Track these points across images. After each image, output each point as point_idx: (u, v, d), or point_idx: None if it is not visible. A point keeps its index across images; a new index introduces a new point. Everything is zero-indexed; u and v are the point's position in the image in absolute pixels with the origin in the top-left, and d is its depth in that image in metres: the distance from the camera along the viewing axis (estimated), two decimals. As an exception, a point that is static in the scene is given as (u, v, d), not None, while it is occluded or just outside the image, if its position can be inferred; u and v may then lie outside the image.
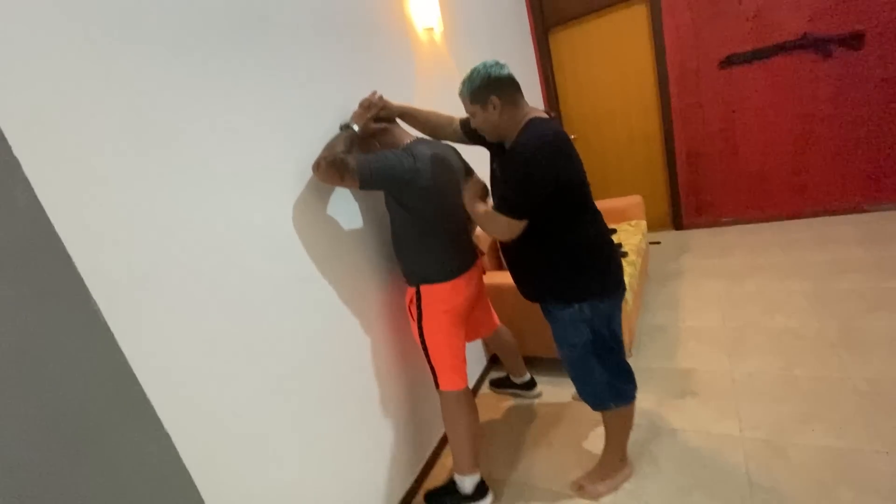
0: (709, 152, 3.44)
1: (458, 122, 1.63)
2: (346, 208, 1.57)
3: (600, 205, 3.11)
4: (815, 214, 3.26)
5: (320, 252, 1.44)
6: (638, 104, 3.59)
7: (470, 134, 1.60)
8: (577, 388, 1.56)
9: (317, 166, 1.33)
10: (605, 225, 1.42)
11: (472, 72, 1.31)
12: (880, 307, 2.12)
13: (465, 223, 1.65)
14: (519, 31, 3.48)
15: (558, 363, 2.25)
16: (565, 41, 3.70)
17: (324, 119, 1.48)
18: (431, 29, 2.18)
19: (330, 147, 1.38)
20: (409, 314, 1.60)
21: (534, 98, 3.64)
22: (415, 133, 1.63)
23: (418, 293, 1.55)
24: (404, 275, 1.61)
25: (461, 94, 1.35)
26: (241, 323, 1.15)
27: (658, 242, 3.55)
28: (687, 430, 1.72)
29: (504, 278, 2.19)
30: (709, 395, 1.87)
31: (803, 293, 2.37)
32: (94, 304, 0.83)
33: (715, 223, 3.60)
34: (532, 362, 2.27)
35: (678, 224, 3.73)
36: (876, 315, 2.08)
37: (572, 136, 3.96)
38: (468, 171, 1.74)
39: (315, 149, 1.41)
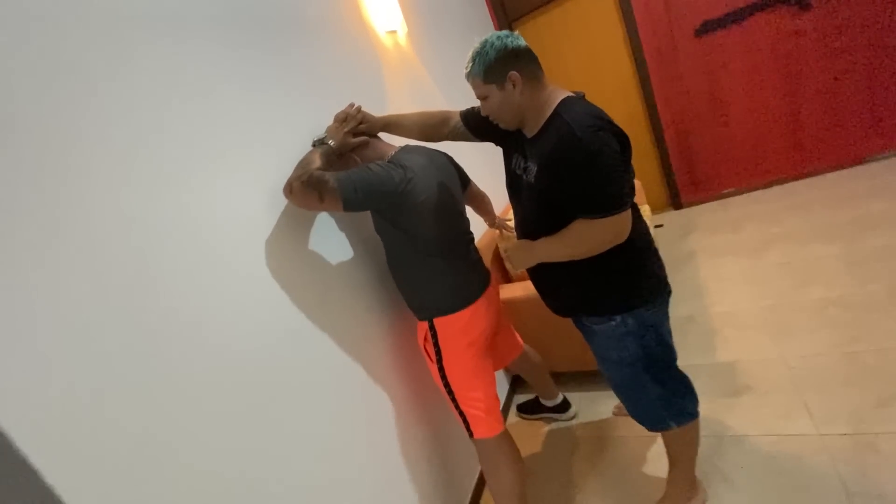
0: (697, 124, 3.30)
1: (457, 117, 1.40)
2: (331, 239, 1.34)
3: None
4: (816, 172, 3.13)
5: (308, 299, 1.20)
6: (617, 86, 3.44)
7: (476, 127, 1.38)
8: (629, 410, 1.34)
9: (289, 189, 1.10)
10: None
11: (484, 45, 1.09)
12: (922, 260, 1.96)
13: (471, 235, 1.43)
14: (483, 27, 3.31)
15: (588, 376, 2.04)
16: (531, 32, 3.54)
17: (290, 140, 1.25)
18: (395, 32, 1.98)
19: (303, 165, 1.16)
20: (424, 355, 1.37)
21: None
22: (398, 143, 1.41)
23: (433, 328, 1.32)
24: (412, 309, 1.38)
25: (469, 75, 1.13)
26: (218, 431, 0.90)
27: (660, 225, 3.38)
28: (754, 436, 1.51)
29: (514, 291, 1.97)
30: (765, 388, 1.67)
31: (834, 257, 2.20)
32: None
33: (715, 196, 3.45)
34: (559, 378, 2.04)
35: (677, 203, 3.58)
36: (921, 270, 1.92)
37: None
38: (464, 180, 1.52)
39: (283, 172, 1.17)
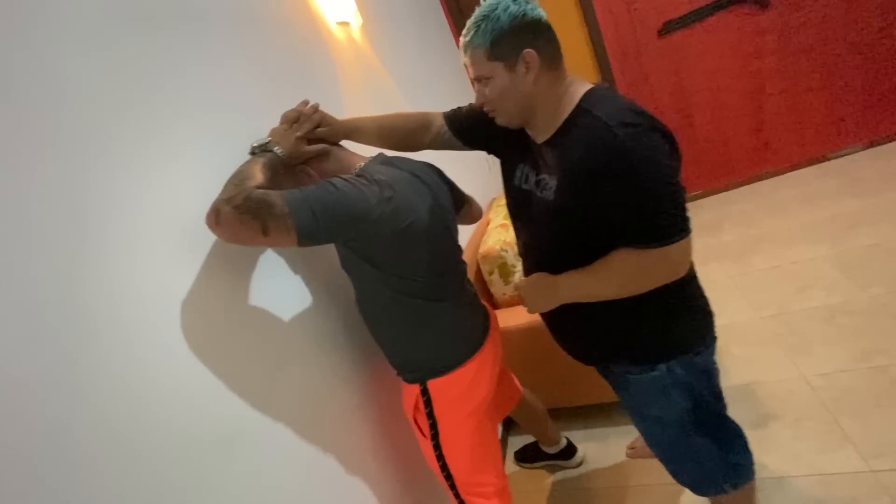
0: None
1: (440, 120, 1.12)
2: (279, 286, 1.00)
3: None
4: (782, 171, 3.12)
5: (252, 381, 0.86)
6: (580, 89, 3.30)
7: (465, 132, 1.10)
8: (674, 473, 1.09)
9: (215, 216, 0.74)
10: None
11: (494, 7, 0.81)
12: (917, 259, 1.89)
13: (464, 266, 1.14)
14: (437, 24, 3.06)
15: (593, 410, 1.80)
16: (490, 34, 3.33)
17: (217, 152, 0.92)
18: (347, 24, 1.67)
19: (236, 181, 0.80)
20: (414, 428, 1.06)
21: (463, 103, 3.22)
22: (366, 151, 1.10)
23: (426, 394, 1.02)
24: (395, 368, 1.07)
25: (469, 45, 0.85)
26: None
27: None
28: (797, 476, 1.32)
29: (504, 320, 1.70)
30: (794, 415, 1.49)
31: (825, 259, 2.11)
32: None
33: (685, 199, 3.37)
34: (558, 415, 1.79)
35: (647, 208, 3.47)
36: (919, 268, 1.84)
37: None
38: (458, 198, 1.21)
39: (206, 197, 0.81)
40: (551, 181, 0.86)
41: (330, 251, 1.07)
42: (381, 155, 1.02)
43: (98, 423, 0.62)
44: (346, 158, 1.01)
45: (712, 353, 0.98)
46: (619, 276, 0.82)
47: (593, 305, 0.91)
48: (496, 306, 1.92)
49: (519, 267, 1.81)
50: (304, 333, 1.03)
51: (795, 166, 3.08)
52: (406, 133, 1.13)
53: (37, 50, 0.66)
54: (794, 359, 1.68)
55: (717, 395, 1.00)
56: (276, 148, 0.92)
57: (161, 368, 0.72)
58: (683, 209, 0.77)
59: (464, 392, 1.03)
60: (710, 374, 0.98)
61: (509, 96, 0.86)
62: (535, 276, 0.96)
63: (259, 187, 0.78)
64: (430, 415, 1.02)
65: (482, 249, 1.84)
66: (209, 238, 0.84)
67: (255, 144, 0.93)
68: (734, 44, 2.88)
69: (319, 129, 1.01)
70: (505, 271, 1.78)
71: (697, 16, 2.86)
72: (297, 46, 1.34)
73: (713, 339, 0.97)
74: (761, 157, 3.13)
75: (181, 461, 0.72)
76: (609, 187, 0.76)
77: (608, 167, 0.75)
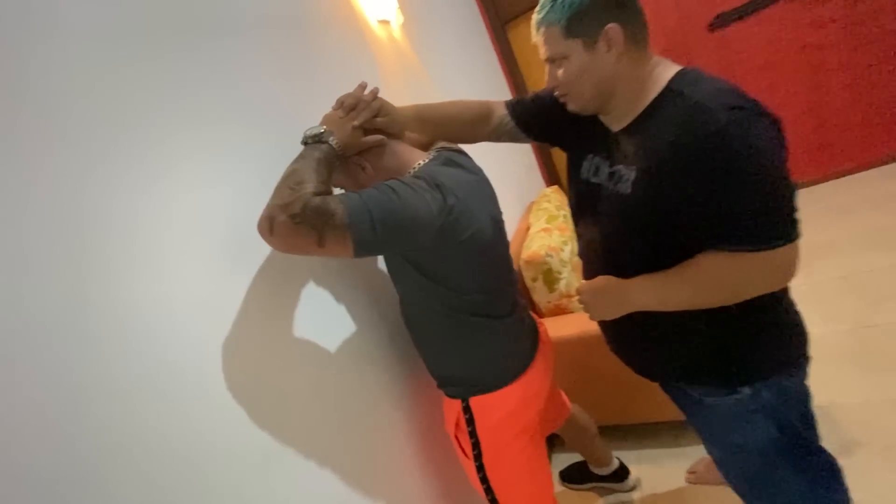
0: (713, 126, 3.04)
1: (502, 110, 1.04)
2: (318, 291, 0.95)
3: None
4: (846, 172, 2.88)
5: (292, 393, 0.81)
6: (623, 88, 3.17)
7: (530, 123, 1.02)
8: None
9: (269, 225, 0.68)
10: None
11: None
12: None
13: (516, 277, 1.06)
14: (475, 27, 3.00)
15: (649, 429, 1.67)
16: (526, 33, 3.24)
17: (264, 154, 0.88)
18: (388, 22, 1.63)
19: (290, 183, 0.72)
20: (456, 447, 0.99)
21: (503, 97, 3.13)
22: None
23: (468, 411, 0.94)
24: (437, 379, 1.00)
25: (543, 21, 0.77)
26: None
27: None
28: (893, 514, 1.16)
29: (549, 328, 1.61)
30: (883, 442, 1.33)
31: (903, 269, 1.91)
32: None
33: (736, 203, 3.18)
34: (607, 433, 1.67)
35: (693, 212, 3.29)
36: None
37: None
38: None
39: (261, 198, 0.76)
40: (628, 173, 0.77)
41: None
42: (442, 153, 0.94)
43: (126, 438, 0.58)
44: (404, 153, 0.93)
45: (805, 375, 0.86)
46: (710, 282, 0.72)
47: (668, 316, 0.81)
48: (540, 315, 1.82)
49: (564, 273, 1.71)
50: (344, 340, 0.97)
51: (861, 167, 2.85)
52: (466, 123, 1.05)
53: (61, 57, 0.63)
54: (877, 379, 1.51)
55: (809, 423, 0.88)
56: (331, 139, 0.83)
57: (193, 382, 0.67)
58: (794, 208, 0.66)
59: (510, 412, 0.95)
60: (801, 399, 0.86)
61: (587, 78, 0.77)
62: (600, 278, 0.86)
63: (316, 192, 0.71)
64: (473, 433, 0.94)
65: (525, 255, 1.75)
66: (246, 245, 0.80)
67: (309, 134, 0.84)
68: (793, 37, 2.69)
69: (378, 119, 0.91)
70: (550, 278, 1.69)
71: (754, 6, 2.69)
72: (339, 45, 1.30)
73: (806, 359, 0.85)
74: (822, 158, 2.91)
75: (220, 477, 0.67)
76: (706, 179, 0.66)
77: (708, 156, 0.65)
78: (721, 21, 2.76)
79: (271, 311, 0.83)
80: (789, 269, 0.69)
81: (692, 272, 0.73)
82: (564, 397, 1.34)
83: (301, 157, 0.79)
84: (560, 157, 3.46)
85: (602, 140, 0.86)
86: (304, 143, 0.83)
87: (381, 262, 1.16)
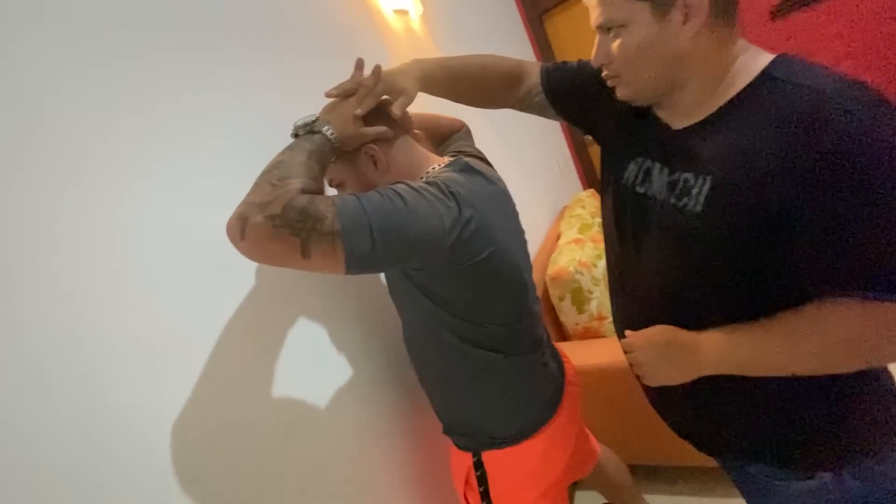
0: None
1: (535, 76, 0.88)
2: (301, 308, 0.83)
3: None
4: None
5: (264, 439, 0.69)
6: (669, 83, 2.91)
7: (561, 96, 0.86)
8: None
9: (240, 225, 0.54)
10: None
11: None
12: None
13: (539, 305, 0.91)
14: (508, 18, 2.82)
15: (681, 472, 1.48)
16: (565, 24, 3.04)
17: (269, 150, 0.76)
18: (406, 12, 1.49)
19: (272, 177, 0.59)
20: None
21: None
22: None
23: (479, 467, 0.80)
24: (446, 425, 0.86)
25: None
26: None
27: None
28: None
29: (574, 356, 1.44)
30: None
31: None
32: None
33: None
34: (638, 474, 1.48)
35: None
36: None
37: (589, 137, 3.31)
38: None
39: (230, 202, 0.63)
40: (701, 183, 0.59)
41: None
42: (460, 158, 0.79)
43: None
44: (416, 153, 0.80)
45: (898, 460, 0.66)
46: (828, 344, 0.53)
47: (730, 377, 0.64)
48: (566, 338, 1.65)
49: (596, 293, 1.53)
50: (329, 375, 0.85)
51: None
52: (494, 83, 0.88)
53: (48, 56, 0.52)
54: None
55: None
56: (325, 129, 0.69)
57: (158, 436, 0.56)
58: None
59: (530, 471, 0.80)
60: (894, 489, 0.66)
61: (650, 56, 0.60)
62: (660, 329, 0.68)
63: (304, 189, 0.58)
64: (485, 494, 0.80)
65: (551, 270, 1.57)
66: (236, 263, 0.68)
67: (300, 123, 0.71)
68: (871, 25, 2.36)
69: (387, 102, 0.78)
70: (579, 298, 1.51)
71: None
72: (347, 37, 1.17)
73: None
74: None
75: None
76: (840, 198, 0.48)
77: (845, 165, 0.48)
78: (785, 7, 2.47)
79: (237, 336, 0.72)
80: None
81: (806, 327, 0.55)
82: (593, 440, 1.17)
83: (289, 148, 0.66)
84: (597, 157, 3.24)
85: (656, 139, 0.68)
86: (295, 135, 0.70)
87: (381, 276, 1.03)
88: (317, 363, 0.83)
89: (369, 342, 0.95)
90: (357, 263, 0.58)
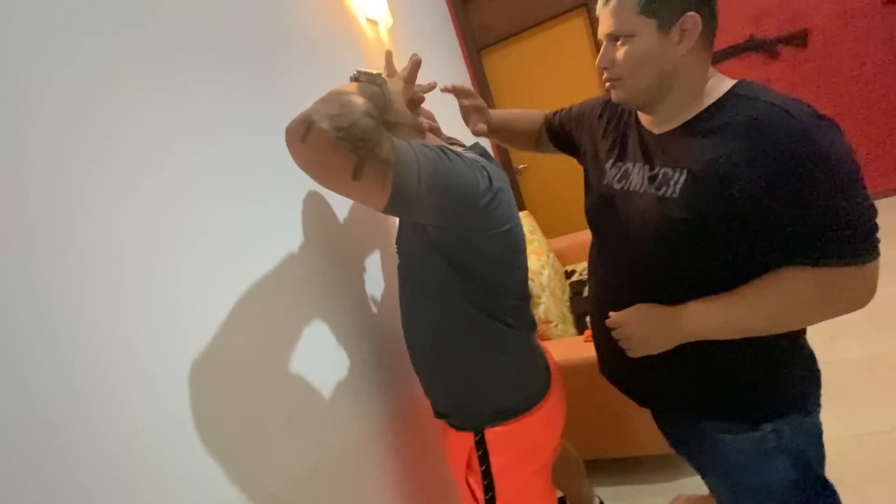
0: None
1: (542, 120, 1.09)
2: (291, 295, 0.80)
3: (565, 241, 2.62)
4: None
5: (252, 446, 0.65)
6: (589, 123, 3.27)
7: (558, 131, 1.06)
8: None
9: (305, 129, 0.55)
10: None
11: None
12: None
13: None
14: (453, 48, 3.00)
15: (619, 465, 1.61)
16: (500, 61, 3.30)
17: (243, 148, 0.74)
18: (376, 23, 1.54)
19: (340, 97, 0.60)
20: (465, 489, 0.85)
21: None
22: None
23: (481, 446, 0.82)
24: (441, 410, 0.87)
25: None
26: None
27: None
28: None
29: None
30: (854, 479, 1.34)
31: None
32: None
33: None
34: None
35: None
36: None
37: (521, 166, 3.56)
38: None
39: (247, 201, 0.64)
40: (679, 175, 0.71)
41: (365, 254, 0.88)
42: (478, 145, 0.87)
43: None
44: (435, 141, 0.84)
45: (819, 410, 0.82)
46: (792, 303, 0.66)
47: (695, 344, 0.75)
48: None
49: (544, 298, 1.65)
50: (322, 370, 0.83)
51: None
52: (531, 133, 1.12)
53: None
54: (839, 416, 1.55)
55: (822, 462, 0.84)
56: (385, 87, 0.71)
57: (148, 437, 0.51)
58: (877, 224, 0.63)
59: (530, 448, 0.84)
60: (818, 437, 0.82)
61: (650, 65, 0.71)
62: (643, 306, 0.78)
63: (370, 115, 0.60)
64: (487, 473, 0.82)
65: (505, 277, 1.67)
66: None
67: (363, 70, 0.71)
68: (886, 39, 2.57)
69: (473, 108, 0.98)
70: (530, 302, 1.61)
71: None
72: (326, 41, 1.19)
73: (820, 394, 0.82)
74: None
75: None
76: (791, 183, 0.61)
77: (795, 158, 0.61)
78: (720, 56, 2.88)
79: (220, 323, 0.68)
80: (874, 288, 0.65)
81: (769, 292, 0.67)
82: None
83: (350, 84, 0.67)
84: (527, 183, 3.48)
85: (637, 144, 0.81)
86: (355, 78, 0.71)
87: (374, 268, 1.03)
88: (313, 357, 0.81)
89: (362, 332, 0.94)
90: (400, 197, 0.61)
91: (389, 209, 0.62)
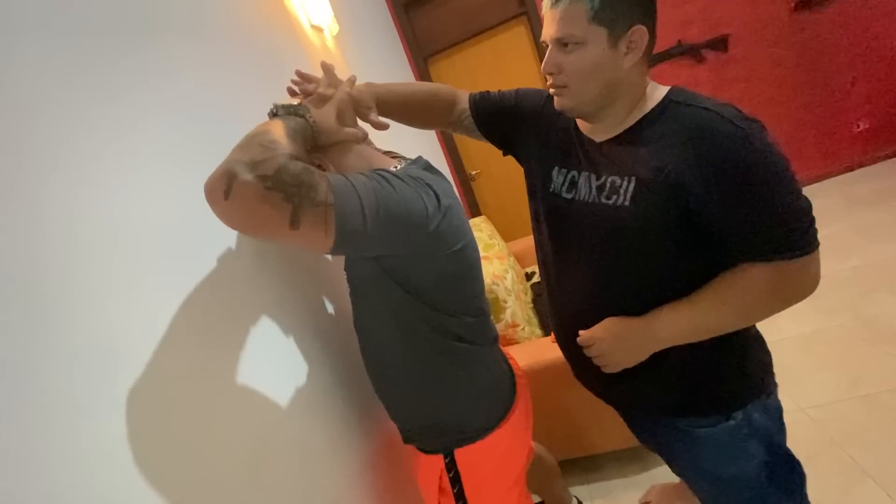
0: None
1: (465, 103, 0.96)
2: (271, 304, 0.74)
3: (521, 244, 2.65)
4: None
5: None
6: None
7: (488, 121, 0.95)
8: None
9: (226, 183, 0.49)
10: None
11: None
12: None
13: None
14: (399, 56, 2.98)
15: (591, 462, 1.63)
16: (448, 69, 3.32)
17: (190, 157, 0.67)
18: (321, 30, 1.49)
19: (262, 139, 0.55)
20: None
21: (427, 135, 3.09)
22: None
23: (452, 468, 0.78)
24: (408, 434, 0.83)
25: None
26: None
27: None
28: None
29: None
30: (805, 451, 1.39)
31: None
32: None
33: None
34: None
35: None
36: None
37: (474, 172, 3.58)
38: None
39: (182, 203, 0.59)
40: (627, 183, 0.71)
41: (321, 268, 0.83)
42: (421, 158, 0.81)
43: None
44: (373, 157, 0.79)
45: (777, 389, 0.87)
46: (754, 298, 0.68)
47: (658, 352, 0.76)
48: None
49: (510, 302, 1.65)
50: (285, 404, 0.77)
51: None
52: (432, 110, 0.97)
53: None
54: (784, 392, 1.65)
55: (786, 440, 0.88)
56: (308, 115, 0.66)
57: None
58: (813, 216, 0.66)
59: (502, 462, 0.82)
60: (781, 415, 0.86)
61: (598, 75, 0.71)
62: (613, 321, 0.77)
63: (294, 157, 0.54)
64: (460, 495, 0.79)
65: (468, 283, 1.66)
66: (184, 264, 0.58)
67: (281, 104, 0.66)
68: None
69: (363, 107, 0.80)
70: (496, 307, 1.61)
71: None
72: (271, 45, 1.13)
73: (774, 374, 0.86)
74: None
75: None
76: (741, 190, 0.63)
77: (734, 159, 0.63)
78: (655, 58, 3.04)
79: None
80: (819, 274, 0.68)
81: (732, 290, 0.69)
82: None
83: (269, 123, 0.61)
84: (480, 188, 3.51)
85: (579, 151, 0.80)
86: (273, 114, 0.66)
87: (332, 280, 0.97)
88: (274, 368, 0.75)
89: (324, 360, 0.89)
90: (346, 239, 0.57)
91: (336, 251, 0.58)
